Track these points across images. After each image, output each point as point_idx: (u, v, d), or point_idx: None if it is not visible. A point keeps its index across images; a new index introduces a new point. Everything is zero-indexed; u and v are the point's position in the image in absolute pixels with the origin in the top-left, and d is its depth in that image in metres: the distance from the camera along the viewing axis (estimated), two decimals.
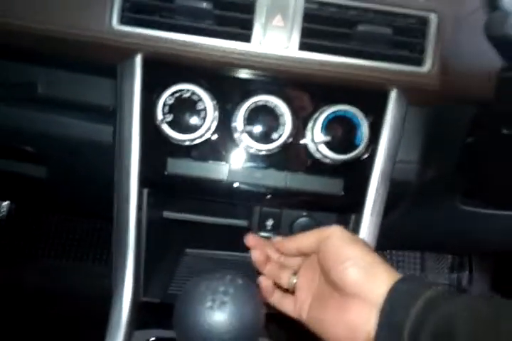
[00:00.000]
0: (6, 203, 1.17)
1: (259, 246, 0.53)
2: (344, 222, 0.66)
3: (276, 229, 0.70)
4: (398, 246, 1.19)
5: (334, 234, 0.46)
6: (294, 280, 0.51)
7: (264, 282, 0.52)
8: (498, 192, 0.80)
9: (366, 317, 0.41)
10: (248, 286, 0.42)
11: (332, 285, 0.45)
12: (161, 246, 0.71)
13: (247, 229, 0.72)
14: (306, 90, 0.59)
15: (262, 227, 0.71)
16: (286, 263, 0.53)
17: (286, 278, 0.52)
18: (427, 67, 0.58)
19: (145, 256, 0.61)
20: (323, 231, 0.47)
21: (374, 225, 0.63)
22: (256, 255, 0.52)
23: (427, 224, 0.88)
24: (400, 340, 0.38)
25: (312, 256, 0.50)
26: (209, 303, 0.39)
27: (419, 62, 0.58)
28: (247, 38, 0.55)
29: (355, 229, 0.63)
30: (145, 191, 0.61)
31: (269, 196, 0.60)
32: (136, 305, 0.59)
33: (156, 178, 0.59)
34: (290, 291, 0.51)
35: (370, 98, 0.60)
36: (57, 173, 0.71)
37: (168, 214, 0.70)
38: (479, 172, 0.77)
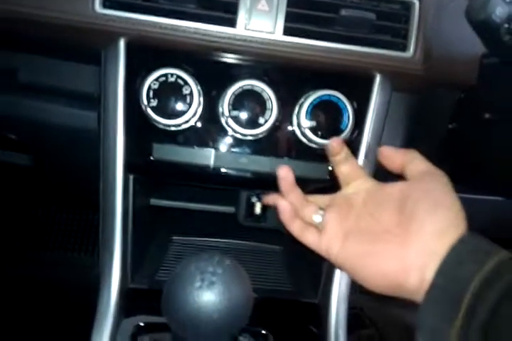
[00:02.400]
0: None
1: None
2: None
3: (263, 216, 0.71)
4: None
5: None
6: (320, 217, 0.49)
7: (284, 203, 0.51)
8: (483, 177, 0.81)
9: (424, 261, 0.39)
10: (236, 267, 0.42)
11: (391, 221, 0.43)
12: (148, 233, 0.71)
13: (234, 216, 0.72)
14: (291, 75, 0.60)
15: (248, 214, 0.71)
16: (310, 199, 0.52)
17: (310, 212, 0.50)
18: (410, 52, 0.59)
19: (132, 244, 0.61)
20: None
21: None
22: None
23: None
24: (460, 294, 0.36)
25: (344, 194, 0.51)
26: (198, 283, 0.39)
27: (402, 48, 0.59)
28: (232, 23, 0.55)
29: None
30: (131, 177, 0.61)
31: (254, 181, 0.61)
32: (124, 293, 0.59)
33: (141, 164, 0.59)
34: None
35: (354, 83, 0.61)
36: (43, 161, 0.71)
37: (155, 201, 0.70)
38: (463, 157, 0.78)
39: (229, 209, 0.72)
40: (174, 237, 0.76)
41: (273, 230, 0.71)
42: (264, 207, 0.71)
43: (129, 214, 0.62)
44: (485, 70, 0.66)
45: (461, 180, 0.84)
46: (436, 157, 0.76)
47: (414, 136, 0.70)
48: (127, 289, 0.60)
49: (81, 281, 0.86)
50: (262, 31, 0.56)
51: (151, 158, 0.58)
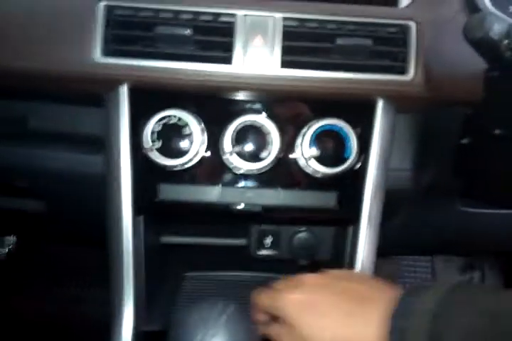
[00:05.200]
0: (11, 237, 1.17)
1: None
2: (342, 235, 0.66)
3: (275, 247, 0.70)
4: (404, 251, 1.18)
5: None
6: None
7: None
8: (497, 191, 0.80)
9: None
10: (241, 312, 0.41)
11: None
12: (160, 271, 0.71)
13: (246, 248, 0.72)
14: (291, 107, 0.60)
15: (260, 245, 0.70)
16: None
17: None
18: (410, 75, 0.58)
19: (144, 286, 0.61)
20: None
21: (372, 236, 0.63)
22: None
23: (429, 228, 0.87)
24: None
25: None
26: (199, 336, 0.39)
27: (402, 71, 0.58)
28: (228, 60, 0.56)
29: (354, 241, 0.63)
30: (140, 219, 0.61)
31: (263, 214, 0.60)
32: (137, 336, 0.59)
33: (148, 205, 0.59)
34: None
35: (356, 110, 0.60)
36: (55, 206, 0.71)
37: (165, 239, 0.70)
38: (476, 173, 0.76)
39: (240, 241, 0.72)
40: (187, 274, 0.76)
41: (287, 260, 0.70)
42: (276, 237, 0.70)
43: (141, 255, 0.61)
44: (490, 85, 0.64)
45: (477, 196, 0.82)
46: (450, 174, 0.75)
47: (425, 155, 0.69)
48: (140, 332, 0.60)
49: (96, 317, 0.86)
50: (259, 66, 0.56)
51: (158, 198, 0.58)
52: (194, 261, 0.78)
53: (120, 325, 0.58)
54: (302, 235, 0.69)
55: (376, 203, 0.62)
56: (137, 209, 0.59)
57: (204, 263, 0.78)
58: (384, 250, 0.64)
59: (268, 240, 0.70)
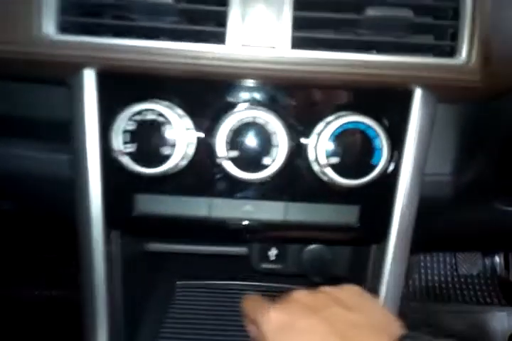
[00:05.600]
0: None
1: None
2: (365, 250, 0.54)
3: (281, 260, 0.59)
4: (434, 248, 1.08)
5: None
6: None
7: None
8: None
9: None
10: None
11: None
12: (147, 281, 0.61)
13: (247, 258, 0.61)
14: (303, 99, 0.46)
15: (264, 257, 0.59)
16: None
17: None
18: (462, 57, 0.45)
19: (122, 310, 0.52)
20: None
21: (401, 256, 0.51)
22: None
23: (464, 226, 0.77)
24: None
25: None
26: None
27: (451, 52, 0.45)
28: (221, 38, 0.42)
29: (378, 264, 0.52)
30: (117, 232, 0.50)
31: (266, 232, 0.49)
32: None
33: (123, 219, 0.48)
34: None
35: (387, 103, 0.47)
36: (23, 207, 0.61)
37: (152, 246, 0.60)
38: None
39: (240, 250, 0.61)
40: (178, 282, 0.66)
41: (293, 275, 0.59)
42: (283, 249, 0.59)
43: (116, 269, 0.51)
44: None
45: None
46: (492, 173, 0.63)
47: (469, 155, 0.56)
48: None
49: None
50: (262, 46, 0.43)
51: (134, 212, 0.47)
52: (187, 271, 0.69)
53: None
54: (313, 248, 0.58)
55: (408, 218, 0.50)
56: (110, 223, 0.48)
57: (199, 274, 0.68)
58: (414, 248, 0.54)
59: (272, 252, 0.59)
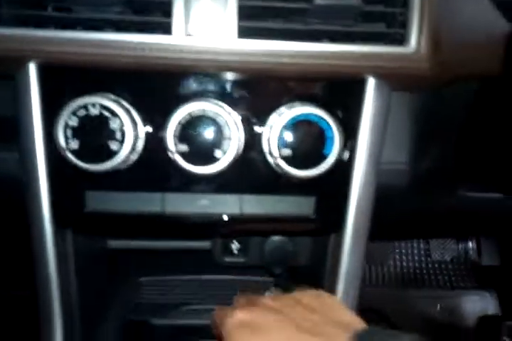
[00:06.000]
0: None
1: None
2: (323, 244, 0.54)
3: (244, 253, 0.59)
4: (399, 236, 1.09)
5: None
6: None
7: None
8: (500, 175, 0.69)
9: None
10: None
11: None
12: (108, 279, 0.60)
13: (211, 253, 0.61)
14: (255, 90, 0.46)
15: (226, 251, 0.59)
16: None
17: None
18: (412, 45, 0.44)
19: (79, 310, 0.51)
20: None
21: (359, 245, 0.51)
22: None
23: (429, 214, 0.78)
24: None
25: None
26: None
27: (400, 40, 0.44)
28: (167, 28, 0.41)
29: (335, 253, 0.52)
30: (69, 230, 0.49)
31: (223, 226, 0.48)
32: None
33: (74, 217, 0.47)
34: None
35: (340, 93, 0.47)
36: None
37: (112, 243, 0.59)
38: (479, 156, 0.65)
39: (203, 244, 0.60)
40: (143, 278, 0.65)
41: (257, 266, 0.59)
42: (245, 243, 0.59)
43: (70, 265, 0.50)
44: None
45: (480, 180, 0.71)
46: (451, 160, 0.63)
47: (425, 143, 0.56)
48: None
49: None
50: (208, 35, 0.41)
51: (85, 209, 0.46)
52: (152, 266, 0.68)
53: None
54: (275, 240, 0.57)
55: (364, 208, 0.50)
56: (61, 222, 0.47)
57: (164, 268, 0.67)
58: (375, 235, 0.54)
59: (234, 246, 0.58)
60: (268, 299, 0.45)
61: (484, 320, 1.34)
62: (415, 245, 1.42)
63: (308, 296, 0.47)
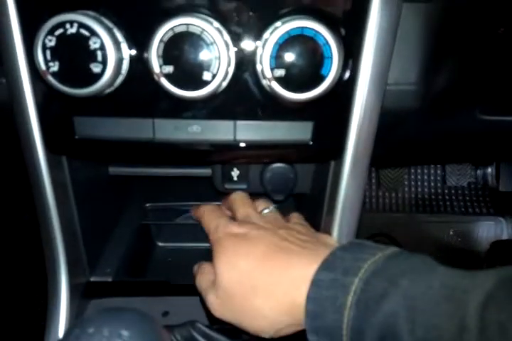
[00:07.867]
0: None
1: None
2: (325, 171, 0.53)
3: (243, 180, 0.58)
4: (415, 161, 1.06)
5: None
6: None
7: None
8: None
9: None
10: (148, 326, 0.32)
11: None
12: (111, 205, 0.61)
13: (210, 179, 0.60)
14: (245, 2, 0.41)
15: (227, 178, 0.58)
16: None
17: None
18: None
19: (80, 229, 0.52)
20: None
21: (359, 172, 0.50)
22: None
23: (444, 137, 0.74)
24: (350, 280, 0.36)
25: None
26: None
27: None
28: None
29: (335, 179, 0.50)
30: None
31: (216, 154, 0.47)
32: (79, 290, 0.52)
33: (65, 143, 0.46)
34: None
35: (341, 4, 0.41)
36: None
37: (113, 170, 0.59)
38: (499, 75, 0.60)
39: (204, 171, 0.60)
40: (148, 204, 0.66)
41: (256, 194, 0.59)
42: (244, 170, 0.58)
43: (69, 192, 0.51)
44: None
45: (501, 102, 0.66)
46: (469, 79, 0.58)
47: (438, 60, 0.51)
48: (84, 284, 0.53)
49: None
50: None
51: (76, 135, 0.45)
52: (154, 193, 0.68)
53: (56, 281, 0.50)
54: (275, 167, 0.56)
55: (366, 133, 0.47)
56: (53, 148, 0.46)
57: (166, 196, 0.68)
58: (387, 162, 0.53)
59: (234, 172, 0.57)
60: (257, 218, 0.48)
61: (497, 244, 1.34)
62: (431, 171, 1.40)
63: (299, 225, 0.49)
